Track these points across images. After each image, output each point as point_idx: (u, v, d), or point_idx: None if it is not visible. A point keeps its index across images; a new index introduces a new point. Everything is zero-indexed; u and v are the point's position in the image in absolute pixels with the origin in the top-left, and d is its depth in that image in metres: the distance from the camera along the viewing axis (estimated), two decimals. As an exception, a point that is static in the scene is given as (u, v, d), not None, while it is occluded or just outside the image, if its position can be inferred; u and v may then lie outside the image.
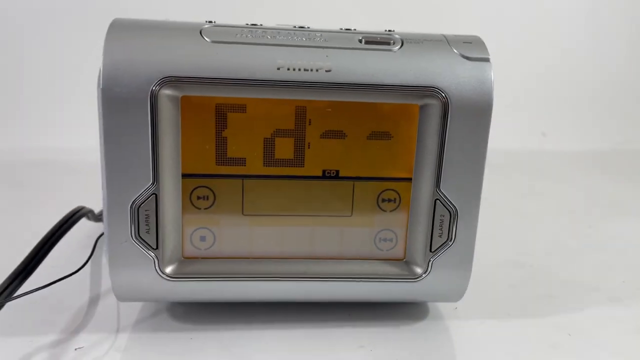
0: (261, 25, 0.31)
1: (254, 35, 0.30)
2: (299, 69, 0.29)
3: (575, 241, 0.50)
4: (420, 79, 0.30)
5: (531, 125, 0.91)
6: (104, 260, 0.40)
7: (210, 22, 0.31)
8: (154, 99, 0.28)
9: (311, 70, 0.29)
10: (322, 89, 0.29)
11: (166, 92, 0.29)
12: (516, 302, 0.38)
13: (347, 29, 0.32)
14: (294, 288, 0.32)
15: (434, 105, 0.30)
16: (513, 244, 0.48)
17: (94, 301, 0.36)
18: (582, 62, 0.94)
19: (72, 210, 0.41)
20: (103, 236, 0.39)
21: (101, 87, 0.28)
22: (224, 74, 0.29)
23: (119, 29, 0.29)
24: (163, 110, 0.29)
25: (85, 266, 0.35)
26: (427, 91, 0.30)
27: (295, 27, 0.31)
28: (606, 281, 0.42)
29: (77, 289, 0.37)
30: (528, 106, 0.91)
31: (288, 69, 0.29)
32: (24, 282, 0.33)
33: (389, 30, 0.32)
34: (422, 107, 0.30)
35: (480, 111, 0.30)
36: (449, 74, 0.30)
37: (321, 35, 0.31)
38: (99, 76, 0.28)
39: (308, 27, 0.31)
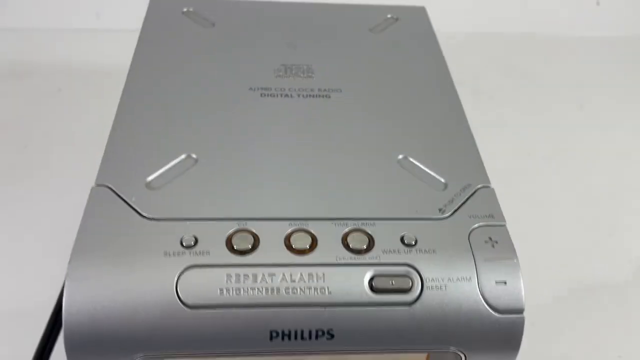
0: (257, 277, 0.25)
1: (242, 289, 0.24)
2: (296, 337, 0.25)
3: (589, 267, 0.48)
4: (438, 340, 0.25)
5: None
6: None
7: (187, 246, 0.25)
8: (129, 373, 0.25)
9: (310, 338, 0.25)
10: (323, 354, 0.25)
11: (143, 366, 0.25)
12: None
13: (355, 253, 0.26)
14: None
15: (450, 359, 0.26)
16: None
17: None
18: None
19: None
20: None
21: (64, 337, 0.24)
22: (209, 347, 0.24)
23: (83, 268, 0.24)
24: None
25: None
26: (444, 350, 0.26)
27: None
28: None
29: None
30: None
31: (283, 339, 0.25)
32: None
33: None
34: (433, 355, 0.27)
35: (501, 363, 0.26)
36: (472, 332, 0.25)
37: (323, 274, 0.25)
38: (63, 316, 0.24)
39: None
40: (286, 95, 0.34)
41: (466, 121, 0.33)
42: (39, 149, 0.53)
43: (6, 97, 0.59)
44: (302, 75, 0.35)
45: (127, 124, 0.31)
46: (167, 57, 0.36)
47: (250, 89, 0.34)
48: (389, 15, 0.42)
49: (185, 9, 0.40)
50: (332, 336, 0.25)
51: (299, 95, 0.34)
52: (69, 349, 0.24)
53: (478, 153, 0.31)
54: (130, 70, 0.34)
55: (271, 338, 0.25)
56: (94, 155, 0.30)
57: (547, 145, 0.59)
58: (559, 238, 0.49)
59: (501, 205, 0.29)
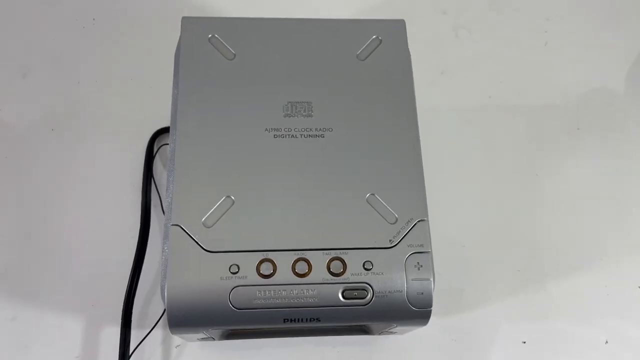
0: None
1: (267, 298, 0.42)
2: (298, 321, 0.43)
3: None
4: (382, 322, 0.44)
5: None
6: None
7: (233, 273, 0.42)
8: None
9: (306, 321, 0.43)
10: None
11: None
12: None
13: (335, 276, 0.43)
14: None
15: (388, 325, 0.45)
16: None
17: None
18: None
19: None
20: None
21: (167, 317, 0.43)
22: (248, 326, 0.43)
23: (177, 287, 0.42)
24: None
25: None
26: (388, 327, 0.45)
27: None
28: None
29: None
30: None
31: (291, 322, 0.43)
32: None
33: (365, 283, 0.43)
34: (381, 321, 0.46)
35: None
36: (401, 318, 0.44)
37: (315, 289, 0.42)
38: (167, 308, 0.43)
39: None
40: (292, 136, 0.47)
41: (421, 162, 0.47)
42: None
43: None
44: (304, 113, 0.48)
45: (184, 172, 0.45)
46: (202, 103, 0.47)
47: (266, 130, 0.47)
48: (374, 36, 0.52)
49: (210, 35, 0.50)
50: (319, 320, 0.43)
51: (301, 136, 0.47)
52: (172, 324, 0.43)
53: (424, 190, 0.46)
54: (178, 118, 0.47)
55: (284, 322, 0.43)
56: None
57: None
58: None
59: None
